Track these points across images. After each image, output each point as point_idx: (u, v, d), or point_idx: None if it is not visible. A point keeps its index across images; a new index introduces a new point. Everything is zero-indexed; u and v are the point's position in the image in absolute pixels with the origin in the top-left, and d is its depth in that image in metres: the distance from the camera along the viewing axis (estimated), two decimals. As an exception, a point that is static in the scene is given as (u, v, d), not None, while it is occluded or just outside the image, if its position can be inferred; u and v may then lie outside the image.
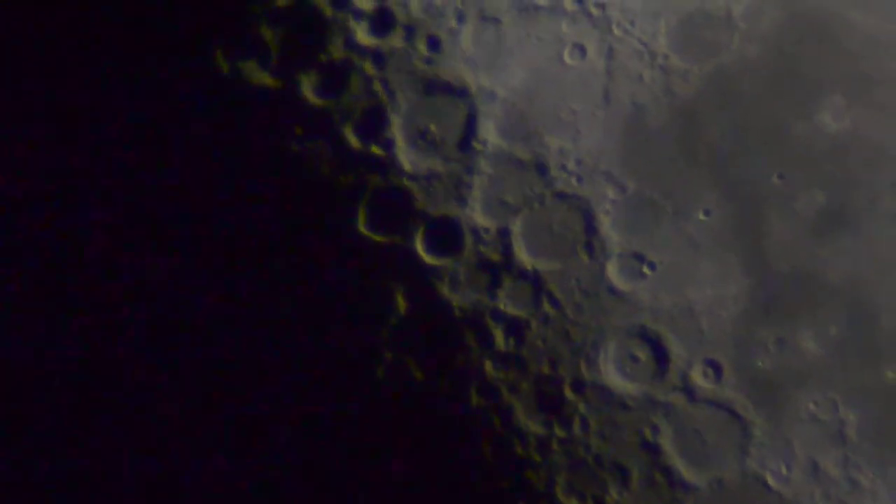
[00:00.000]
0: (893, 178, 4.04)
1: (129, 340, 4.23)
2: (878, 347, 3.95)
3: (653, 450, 3.98)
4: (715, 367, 3.98)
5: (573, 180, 4.16)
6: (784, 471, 3.92)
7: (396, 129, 4.27)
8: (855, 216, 4.02)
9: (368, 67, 4.30)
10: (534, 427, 4.06)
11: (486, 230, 4.17)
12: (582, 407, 4.04)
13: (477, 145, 4.24)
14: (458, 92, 4.27)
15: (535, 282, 4.14)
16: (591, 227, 4.13)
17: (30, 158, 4.33)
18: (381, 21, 4.33)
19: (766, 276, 4.00)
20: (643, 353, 4.03)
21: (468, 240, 4.19)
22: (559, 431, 4.04)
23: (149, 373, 4.24)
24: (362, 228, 4.24)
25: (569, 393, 4.05)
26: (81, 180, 4.38)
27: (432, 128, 4.28)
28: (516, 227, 4.18)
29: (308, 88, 4.32)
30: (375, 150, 4.27)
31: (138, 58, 4.34)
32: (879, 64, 4.14)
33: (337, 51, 4.32)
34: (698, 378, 3.98)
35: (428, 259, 4.20)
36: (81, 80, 4.37)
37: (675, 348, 4.01)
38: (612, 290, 4.09)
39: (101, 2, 4.37)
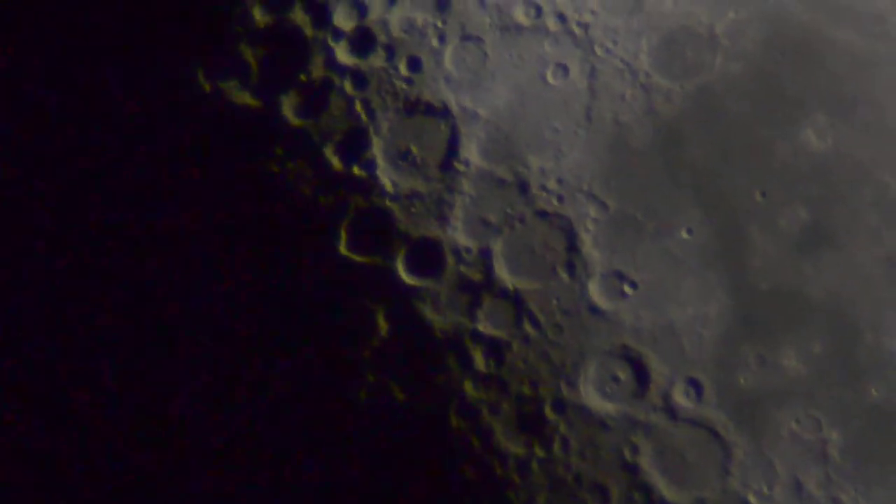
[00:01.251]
0: (875, 197, 4.14)
1: (112, 357, 4.34)
2: (861, 365, 4.04)
3: (633, 469, 4.07)
4: (696, 387, 4.07)
5: (555, 200, 4.27)
6: (766, 490, 4.00)
7: (378, 150, 4.39)
8: (837, 234, 4.12)
9: (349, 88, 4.43)
10: (514, 448, 4.15)
11: (468, 250, 4.28)
12: (563, 427, 4.13)
13: (459, 166, 4.35)
14: (439, 112, 4.39)
15: (517, 301, 4.24)
16: (572, 247, 4.24)
17: (4, 182, 4.46)
18: (362, 41, 4.46)
19: (748, 294, 4.10)
20: (624, 373, 4.12)
21: (449, 260, 4.29)
22: (539, 452, 4.13)
23: (126, 394, 4.35)
24: (343, 249, 4.35)
25: (549, 413, 4.14)
26: (60, 202, 4.49)
27: (414, 148, 4.39)
28: (498, 246, 4.28)
29: (289, 108, 4.44)
30: (356, 170, 4.39)
31: (119, 76, 4.47)
32: (862, 83, 4.26)
33: (317, 71, 4.45)
34: (679, 397, 4.08)
35: (409, 280, 4.30)
36: (60, 99, 4.50)
37: (657, 367, 4.10)
38: (594, 310, 4.19)
39: (80, 22, 4.50)
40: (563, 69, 4.42)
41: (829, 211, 4.18)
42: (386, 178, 4.42)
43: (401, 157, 4.44)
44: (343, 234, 4.40)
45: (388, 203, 4.41)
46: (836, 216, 4.18)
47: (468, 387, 4.25)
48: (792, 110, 4.28)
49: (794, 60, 4.34)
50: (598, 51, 4.41)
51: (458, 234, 4.35)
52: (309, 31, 4.54)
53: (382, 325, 4.34)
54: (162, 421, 4.41)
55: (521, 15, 4.49)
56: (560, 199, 4.31)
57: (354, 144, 4.46)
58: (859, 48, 4.34)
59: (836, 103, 4.28)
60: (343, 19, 4.55)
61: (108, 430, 4.45)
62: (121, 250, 4.51)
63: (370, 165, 4.43)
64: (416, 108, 4.46)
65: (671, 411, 4.12)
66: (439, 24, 4.50)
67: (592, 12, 4.44)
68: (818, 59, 4.33)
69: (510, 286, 4.30)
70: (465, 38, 4.48)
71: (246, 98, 4.52)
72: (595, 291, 4.24)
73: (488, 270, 4.33)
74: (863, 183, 4.21)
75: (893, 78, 4.32)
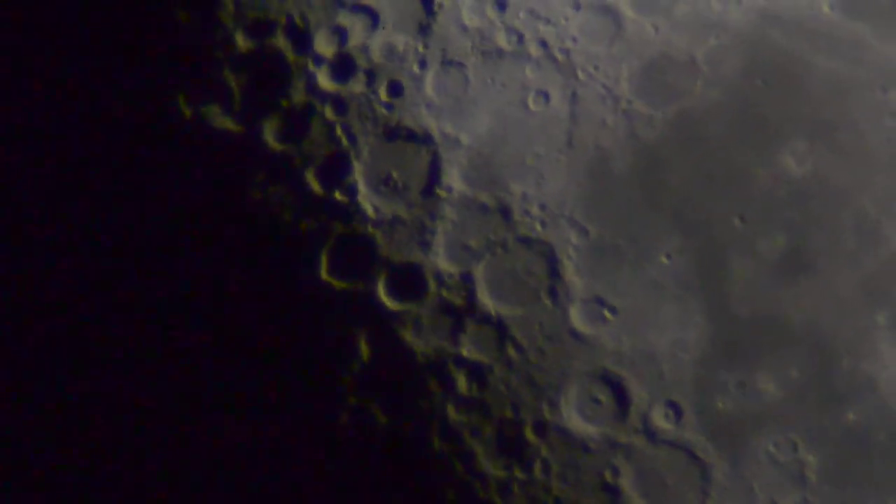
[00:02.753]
0: (854, 222, 4.31)
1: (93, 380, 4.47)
2: (839, 390, 4.21)
3: (613, 491, 4.24)
4: (675, 409, 4.24)
5: (537, 225, 4.44)
6: (745, 513, 4.18)
7: (359, 175, 4.55)
8: (816, 259, 4.30)
9: (330, 113, 4.59)
10: (495, 470, 4.31)
11: (450, 275, 4.44)
12: (544, 450, 4.30)
13: (440, 191, 4.51)
14: (420, 138, 4.55)
15: (499, 326, 4.40)
16: (554, 272, 4.40)
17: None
18: (343, 66, 4.62)
19: (727, 319, 4.27)
20: (605, 396, 4.29)
21: (431, 285, 4.45)
22: (520, 474, 4.30)
23: (99, 418, 4.48)
24: (324, 275, 4.50)
25: (530, 436, 4.31)
26: (40, 227, 4.63)
27: (395, 174, 4.55)
28: (480, 272, 4.44)
29: (270, 134, 4.60)
30: (338, 195, 4.55)
31: (101, 101, 4.62)
32: (841, 108, 4.44)
33: (299, 96, 4.61)
34: (659, 420, 4.25)
35: (390, 304, 4.46)
36: (41, 123, 4.64)
37: (637, 391, 4.28)
38: (575, 335, 4.36)
39: (63, 45, 4.64)
40: (545, 95, 4.59)
41: (808, 236, 4.36)
42: (367, 203, 4.58)
43: (382, 183, 4.59)
44: (324, 260, 4.55)
45: (369, 228, 4.57)
46: (815, 241, 4.36)
47: (450, 410, 4.41)
48: (771, 136, 4.45)
49: (773, 86, 4.51)
50: (580, 77, 4.59)
51: (440, 260, 4.51)
52: (290, 57, 4.71)
53: (364, 349, 4.50)
54: (142, 442, 4.55)
55: (502, 40, 4.66)
56: (542, 224, 4.48)
57: (335, 170, 4.61)
58: (839, 74, 4.51)
59: (815, 129, 4.46)
60: (324, 45, 4.72)
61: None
62: (102, 275, 4.65)
63: (351, 191, 4.59)
64: (397, 134, 4.62)
65: (651, 434, 4.30)
66: (420, 49, 4.67)
67: (573, 39, 4.62)
68: (798, 85, 4.51)
69: (492, 311, 4.46)
70: (447, 63, 4.65)
71: (227, 123, 4.68)
72: (576, 316, 4.41)
73: (470, 295, 4.48)
74: (842, 208, 4.38)
75: (872, 103, 4.49)
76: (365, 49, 4.69)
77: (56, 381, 4.63)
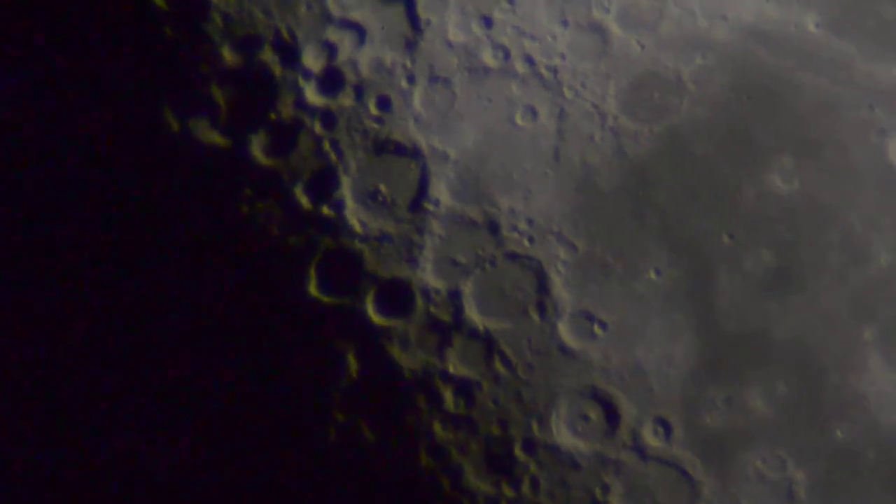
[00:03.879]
0: (841, 238, 4.35)
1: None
2: (827, 406, 4.25)
3: (602, 508, 4.26)
4: (664, 426, 4.27)
5: (525, 241, 4.46)
6: (734, 529, 4.21)
7: (347, 190, 4.56)
8: (803, 275, 4.34)
9: (318, 127, 4.60)
10: (483, 487, 4.32)
11: (437, 291, 4.45)
12: (533, 467, 4.31)
13: (428, 206, 4.53)
14: (409, 152, 4.56)
15: (487, 342, 4.42)
16: (542, 287, 4.42)
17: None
18: (331, 81, 4.63)
19: (715, 334, 4.30)
20: (594, 412, 4.32)
21: (419, 300, 4.47)
22: (508, 491, 4.31)
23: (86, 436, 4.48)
24: (312, 290, 4.50)
25: (519, 453, 4.32)
26: (25, 242, 4.62)
27: (383, 188, 4.56)
28: (468, 287, 4.46)
29: (258, 148, 4.61)
30: (326, 210, 4.55)
31: (88, 116, 4.62)
32: (828, 126, 4.48)
33: (286, 110, 4.62)
34: (648, 436, 4.27)
35: (378, 320, 4.47)
36: (29, 136, 4.64)
37: (626, 407, 4.30)
38: (564, 350, 4.38)
39: (49, 59, 4.64)
40: (532, 111, 4.62)
41: (796, 253, 4.40)
42: (355, 218, 4.59)
43: (370, 197, 4.61)
44: (312, 275, 4.56)
45: (357, 244, 4.58)
46: (802, 258, 4.39)
47: (438, 427, 4.42)
48: (758, 153, 4.49)
49: (760, 104, 4.55)
50: (567, 93, 4.62)
51: (428, 275, 4.52)
52: (278, 71, 4.72)
53: (352, 365, 4.50)
54: (130, 460, 4.55)
55: (489, 57, 4.68)
56: (530, 240, 4.50)
57: (323, 184, 4.62)
58: (825, 92, 4.55)
59: (802, 146, 4.50)
60: (312, 59, 4.73)
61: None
62: (89, 288, 4.64)
63: (339, 205, 4.60)
64: (385, 148, 4.63)
65: (640, 450, 4.32)
66: (408, 64, 4.69)
67: (561, 56, 4.64)
68: (784, 103, 4.55)
69: (480, 327, 4.47)
70: (434, 78, 4.67)
71: (215, 137, 4.69)
72: (565, 332, 4.43)
73: (458, 311, 4.50)
74: (828, 225, 4.42)
75: (858, 121, 4.53)
76: (353, 64, 4.71)
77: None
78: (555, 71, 4.65)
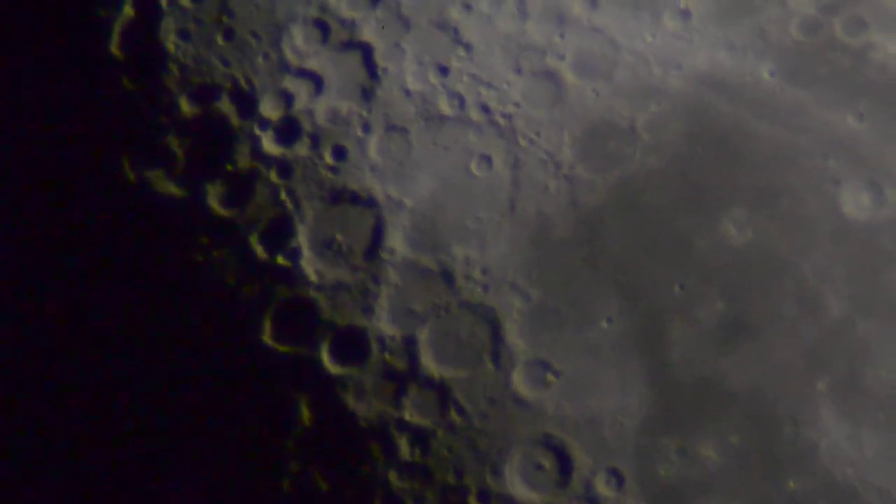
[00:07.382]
0: (794, 288, 4.37)
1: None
2: (780, 457, 4.25)
3: (555, 559, 4.26)
4: (617, 476, 4.27)
5: (479, 289, 4.47)
6: (686, 580, 4.21)
7: (302, 239, 4.57)
8: (756, 326, 4.35)
9: (274, 176, 4.62)
10: (437, 537, 4.33)
11: (393, 338, 4.46)
12: (486, 517, 4.32)
13: (384, 255, 4.54)
14: (364, 201, 4.58)
15: (442, 390, 4.42)
16: (497, 336, 4.43)
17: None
18: (287, 130, 4.65)
19: (667, 384, 4.31)
20: (548, 462, 4.32)
21: (374, 349, 4.48)
22: (462, 542, 4.32)
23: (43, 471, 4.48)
24: (267, 339, 4.51)
25: (474, 503, 4.33)
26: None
27: (339, 237, 4.57)
28: (423, 335, 4.47)
29: (214, 198, 4.62)
30: (281, 260, 4.57)
31: (44, 165, 4.63)
32: (782, 175, 4.49)
33: (243, 160, 4.64)
34: (601, 487, 4.28)
35: (333, 368, 4.48)
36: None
37: (579, 456, 4.31)
38: (518, 399, 4.39)
39: (5, 109, 4.65)
40: (488, 160, 4.63)
41: (748, 303, 4.41)
42: (310, 267, 4.60)
43: (326, 246, 4.62)
44: (267, 324, 4.57)
45: (312, 292, 4.59)
46: (754, 308, 4.41)
47: (393, 476, 4.43)
48: (712, 203, 4.51)
49: (714, 153, 4.57)
50: (522, 142, 4.64)
51: (383, 324, 4.53)
52: (235, 122, 4.73)
53: (306, 414, 4.51)
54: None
55: (444, 105, 4.70)
56: (485, 288, 4.51)
57: (279, 233, 4.63)
58: (780, 141, 4.57)
59: (755, 196, 4.51)
60: (269, 109, 4.74)
61: None
62: (42, 335, 4.65)
63: (295, 254, 4.61)
64: (341, 197, 4.65)
65: (593, 500, 4.33)
66: (364, 113, 4.71)
67: (515, 104, 4.66)
68: (738, 152, 4.56)
69: (436, 375, 4.48)
70: (390, 127, 4.69)
71: (171, 188, 4.70)
72: (519, 381, 4.44)
73: (413, 359, 4.51)
74: (781, 275, 4.44)
75: (812, 170, 4.55)
76: (310, 113, 4.72)
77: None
78: (510, 118, 4.66)
